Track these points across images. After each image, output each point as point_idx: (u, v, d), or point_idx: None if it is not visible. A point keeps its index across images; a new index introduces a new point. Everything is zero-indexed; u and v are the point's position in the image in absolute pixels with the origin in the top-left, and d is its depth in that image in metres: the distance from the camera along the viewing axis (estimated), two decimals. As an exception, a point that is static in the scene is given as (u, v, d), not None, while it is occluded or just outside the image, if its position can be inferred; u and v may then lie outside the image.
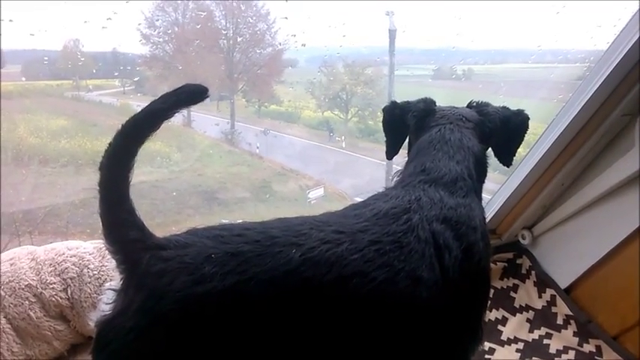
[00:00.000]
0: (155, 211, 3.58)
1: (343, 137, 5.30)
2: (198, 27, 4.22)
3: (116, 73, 4.46)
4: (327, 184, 4.85)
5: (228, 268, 0.90)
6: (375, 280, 0.96)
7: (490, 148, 1.35)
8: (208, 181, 4.48)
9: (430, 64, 4.47)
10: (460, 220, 1.11)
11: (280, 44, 4.30)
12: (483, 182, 1.31)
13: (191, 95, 1.02)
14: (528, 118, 1.34)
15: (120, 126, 1.00)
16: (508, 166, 1.40)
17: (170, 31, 4.19)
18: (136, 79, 4.50)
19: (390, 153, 1.45)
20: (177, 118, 5.12)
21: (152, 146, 4.32)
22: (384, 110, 1.43)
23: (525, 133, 1.35)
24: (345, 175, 5.19)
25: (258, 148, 5.01)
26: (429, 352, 1.10)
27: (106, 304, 0.95)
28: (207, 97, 1.03)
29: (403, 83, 4.04)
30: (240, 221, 1.04)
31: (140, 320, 0.88)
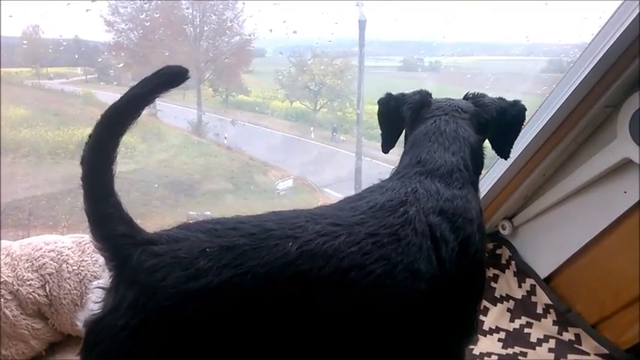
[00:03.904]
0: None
1: (312, 128, 5.30)
2: (161, 15, 4.13)
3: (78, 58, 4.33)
4: (295, 175, 4.85)
5: (223, 262, 0.87)
6: (373, 272, 0.95)
7: (487, 140, 1.35)
8: (175, 172, 4.42)
9: (397, 56, 4.51)
10: (456, 212, 1.10)
11: (251, 35, 4.26)
12: (480, 173, 1.30)
13: (171, 77, 0.98)
14: (525, 109, 1.33)
15: (99, 116, 0.95)
16: (506, 158, 1.40)
17: (135, 19, 4.09)
18: (99, 60, 4.38)
19: (386, 146, 1.43)
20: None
21: (116, 136, 4.23)
22: (379, 102, 1.41)
23: (522, 124, 1.34)
24: (315, 165, 5.20)
25: (226, 138, 4.96)
26: (424, 344, 1.10)
27: (94, 302, 0.91)
28: (188, 78, 0.99)
29: (371, 74, 4.06)
30: (233, 216, 1.00)
31: (132, 318, 0.85)
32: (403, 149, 1.32)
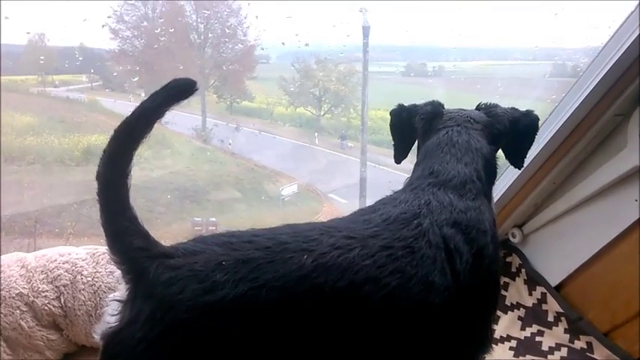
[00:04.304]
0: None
1: (317, 134, 5.30)
2: (168, 22, 4.16)
3: (92, 71, 4.35)
4: (300, 182, 4.85)
5: (239, 276, 0.88)
6: (387, 285, 0.95)
7: (501, 150, 1.34)
8: (180, 178, 4.43)
9: (401, 61, 4.51)
10: (470, 223, 1.09)
11: (256, 40, 4.27)
12: (493, 184, 1.29)
13: (180, 90, 1.00)
14: (538, 119, 1.32)
15: (112, 131, 0.97)
16: (519, 168, 1.39)
17: (139, 26, 4.12)
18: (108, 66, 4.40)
19: (399, 157, 1.42)
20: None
21: (122, 143, 4.25)
22: (391, 113, 1.41)
23: (535, 133, 1.33)
24: (320, 171, 5.20)
25: (230, 144, 4.97)
26: (439, 356, 1.09)
27: (111, 315, 0.92)
28: (197, 90, 1.01)
29: (375, 80, 4.07)
30: (248, 229, 1.01)
31: (150, 331, 0.85)
32: (416, 159, 1.32)
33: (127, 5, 4.05)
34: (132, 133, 0.97)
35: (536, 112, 1.33)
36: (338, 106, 5.09)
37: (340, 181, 5.05)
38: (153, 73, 4.03)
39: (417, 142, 1.39)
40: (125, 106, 4.58)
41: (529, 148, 1.35)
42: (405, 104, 1.40)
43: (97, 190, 0.94)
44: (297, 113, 5.25)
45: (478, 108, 1.37)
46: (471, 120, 1.29)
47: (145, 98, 0.99)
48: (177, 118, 4.80)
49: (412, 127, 1.35)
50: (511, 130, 1.29)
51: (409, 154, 1.43)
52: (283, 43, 2.97)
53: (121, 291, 0.94)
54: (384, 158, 4.65)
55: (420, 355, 1.06)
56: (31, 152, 3.73)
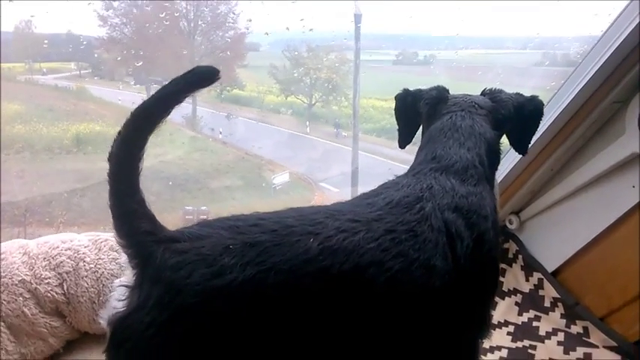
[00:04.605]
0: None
1: (308, 122, 5.29)
2: (157, 9, 4.11)
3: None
4: (292, 169, 4.84)
5: (247, 259, 0.89)
6: (391, 269, 0.97)
7: (505, 136, 1.35)
8: (170, 166, 4.40)
9: (392, 50, 4.50)
10: (471, 208, 1.11)
11: (247, 29, 4.24)
12: (496, 169, 1.30)
13: (201, 77, 1.01)
14: (542, 105, 1.32)
15: (129, 114, 0.97)
16: (523, 154, 1.40)
17: (129, 13, 4.07)
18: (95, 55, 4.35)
19: (403, 142, 1.43)
20: (137, 103, 5.00)
21: (110, 131, 4.22)
22: (396, 98, 1.42)
23: (540, 119, 1.34)
24: (311, 160, 5.20)
25: (221, 133, 4.94)
26: (439, 339, 1.11)
27: (118, 300, 0.92)
28: (219, 78, 1.01)
29: (366, 68, 4.05)
30: (252, 212, 1.02)
31: (158, 315, 0.86)
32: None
33: (115, -8, 4.00)
34: (149, 116, 0.98)
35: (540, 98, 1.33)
36: (329, 95, 5.08)
37: (332, 169, 5.04)
38: (142, 60, 4.00)
39: (421, 127, 1.39)
40: (114, 94, 4.54)
41: (533, 133, 1.36)
42: (411, 89, 1.40)
43: (108, 171, 0.95)
44: (289, 102, 5.23)
45: (483, 93, 1.38)
46: (476, 105, 1.30)
47: (145, 86, 0.98)
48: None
49: (417, 111, 1.36)
50: (516, 116, 1.30)
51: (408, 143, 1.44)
52: (288, 28, 2.93)
53: (128, 276, 0.94)
54: (375, 147, 4.66)
55: (420, 338, 1.08)
56: (19, 140, 3.68)
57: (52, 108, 4.28)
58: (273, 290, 0.89)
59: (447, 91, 1.38)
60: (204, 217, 3.55)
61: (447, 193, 1.11)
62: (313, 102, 5.17)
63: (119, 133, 0.96)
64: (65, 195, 3.38)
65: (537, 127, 1.35)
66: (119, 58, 4.24)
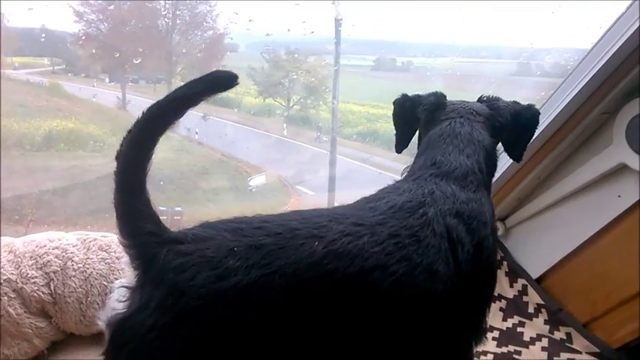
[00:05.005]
0: (87, 197, 3.44)
1: (285, 125, 5.28)
2: (135, 6, 4.06)
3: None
4: (268, 172, 4.83)
5: (251, 262, 0.89)
6: (395, 273, 0.97)
7: (500, 143, 1.37)
8: (145, 166, 4.34)
9: (370, 55, 4.53)
10: (472, 214, 1.13)
11: (225, 29, 4.21)
12: (493, 176, 1.33)
13: (220, 82, 1.01)
14: (539, 113, 1.36)
15: (141, 113, 0.96)
16: (518, 161, 1.42)
17: (106, 10, 4.00)
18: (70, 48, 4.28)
19: (400, 146, 1.45)
20: (112, 101, 4.94)
21: (84, 129, 4.15)
22: (395, 103, 1.43)
23: (536, 127, 1.37)
24: (288, 162, 5.18)
25: (197, 133, 4.90)
26: (438, 343, 1.13)
27: (118, 301, 0.92)
28: (237, 84, 1.01)
29: (344, 73, 4.07)
30: (255, 215, 1.03)
31: (161, 318, 0.85)
32: (417, 150, 1.35)
33: (92, -13, 3.93)
34: (162, 116, 0.97)
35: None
36: (307, 98, 5.08)
37: (309, 172, 5.04)
38: (118, 58, 3.94)
39: (418, 132, 1.42)
40: (88, 91, 4.46)
41: (529, 141, 1.39)
42: (409, 94, 1.42)
43: (116, 170, 0.95)
44: (266, 104, 5.21)
45: (480, 100, 1.41)
46: (474, 112, 1.32)
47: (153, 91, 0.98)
48: (143, 105, 4.71)
49: (415, 117, 1.38)
50: (512, 124, 1.33)
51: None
52: (268, 34, 2.93)
53: (129, 277, 0.93)
54: (353, 151, 4.67)
55: (420, 342, 1.09)
56: (-12, 136, 3.59)
57: (24, 103, 4.18)
58: (277, 293, 0.89)
59: (445, 97, 1.40)
60: (178, 217, 3.52)
61: (448, 199, 1.13)
62: (291, 105, 5.17)
63: (129, 131, 0.95)
64: (36, 192, 3.30)
65: (533, 135, 1.38)
66: (94, 51, 4.17)
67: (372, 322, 0.99)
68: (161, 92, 4.72)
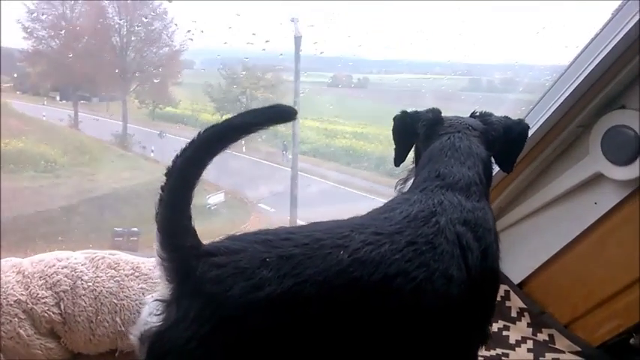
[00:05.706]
0: (39, 219, 3.30)
1: (243, 142, 5.24)
2: (88, 23, 3.99)
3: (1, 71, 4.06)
4: (226, 189, 4.78)
5: (283, 272, 0.93)
6: (415, 279, 1.03)
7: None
8: (99, 186, 4.23)
9: (326, 72, 4.58)
10: (478, 222, 1.19)
11: (181, 45, 4.18)
12: (490, 187, 1.40)
13: (281, 115, 1.07)
14: (528, 127, 1.46)
15: (196, 134, 1.01)
16: (508, 172, 1.52)
17: (56, 26, 3.91)
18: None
19: (399, 160, 1.50)
20: (63, 119, 4.80)
21: (35, 149, 4.01)
22: (395, 119, 1.48)
23: (525, 141, 1.45)
24: (246, 179, 5.15)
25: (152, 151, 4.81)
26: (449, 346, 1.17)
27: (152, 315, 0.96)
28: (295, 119, 1.08)
29: (301, 90, 4.10)
30: (278, 227, 1.07)
31: (200, 328, 0.89)
32: (416, 163, 1.44)
33: (43, 3, 3.83)
34: (220, 140, 1.03)
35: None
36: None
37: (268, 189, 5.03)
38: (70, 75, 3.85)
39: (415, 146, 1.48)
40: (38, 109, 4.33)
41: (519, 153, 1.48)
42: (408, 110, 1.49)
43: (166, 185, 0.99)
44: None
45: (473, 115, 1.49)
46: (470, 127, 1.40)
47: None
48: (96, 124, 4.60)
49: (414, 132, 1.44)
50: (504, 137, 1.41)
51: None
52: (225, 43, 2.92)
53: (162, 291, 0.98)
54: (312, 167, 4.69)
55: (434, 344, 1.14)
56: None
57: (-31, 123, 4.02)
58: (308, 301, 0.94)
59: (441, 113, 1.46)
60: (135, 238, 3.43)
61: (456, 208, 1.19)
62: (249, 121, 5.14)
63: (184, 150, 0.99)
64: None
65: (522, 147, 1.47)
66: (45, 69, 4.07)
67: (395, 327, 1.04)
68: (115, 110, 4.65)
